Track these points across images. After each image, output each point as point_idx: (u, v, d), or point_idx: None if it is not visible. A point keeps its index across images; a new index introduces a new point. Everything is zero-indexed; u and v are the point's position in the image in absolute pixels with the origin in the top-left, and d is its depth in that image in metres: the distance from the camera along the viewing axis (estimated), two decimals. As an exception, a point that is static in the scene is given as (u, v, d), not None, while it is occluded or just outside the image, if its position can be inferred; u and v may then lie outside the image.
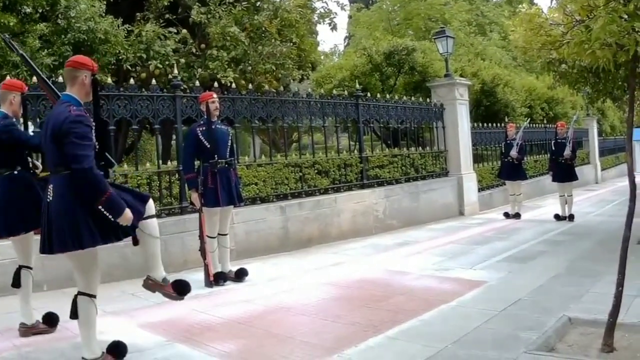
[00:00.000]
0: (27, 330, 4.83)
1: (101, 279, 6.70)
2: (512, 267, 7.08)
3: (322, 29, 66.05)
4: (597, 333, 4.11)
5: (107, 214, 3.72)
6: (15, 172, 4.74)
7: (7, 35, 4.41)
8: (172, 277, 6.92)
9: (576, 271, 6.72)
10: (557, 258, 7.61)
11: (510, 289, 5.89)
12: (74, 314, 4.02)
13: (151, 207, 4.21)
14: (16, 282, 4.91)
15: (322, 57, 22.78)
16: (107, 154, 4.06)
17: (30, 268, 4.99)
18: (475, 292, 5.87)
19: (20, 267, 4.94)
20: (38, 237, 4.37)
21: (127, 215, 3.78)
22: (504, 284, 6.18)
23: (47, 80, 4.23)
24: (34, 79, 6.69)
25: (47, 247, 3.83)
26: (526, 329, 4.47)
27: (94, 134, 3.86)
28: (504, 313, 5.01)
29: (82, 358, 3.97)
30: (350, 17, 34.66)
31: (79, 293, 4.01)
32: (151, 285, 4.43)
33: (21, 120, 5.00)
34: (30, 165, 4.87)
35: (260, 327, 4.98)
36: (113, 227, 3.84)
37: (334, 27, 12.52)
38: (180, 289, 4.44)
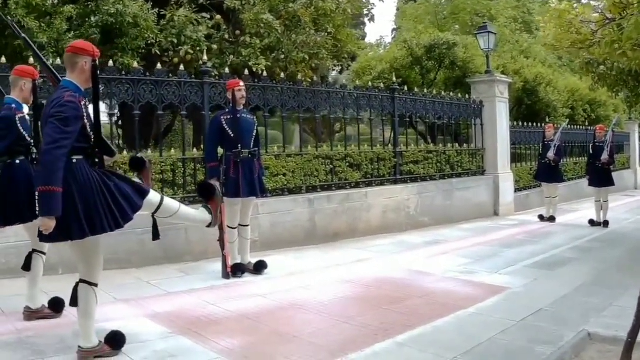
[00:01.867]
0: (31, 314, 4.80)
1: (118, 265, 6.77)
2: (538, 274, 6.78)
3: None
4: (616, 352, 3.83)
5: (37, 204, 3.50)
6: (18, 162, 4.71)
7: (10, 18, 4.36)
8: (190, 267, 7.09)
9: (603, 282, 6.39)
10: (586, 266, 7.29)
11: (532, 298, 5.61)
12: (74, 302, 3.94)
13: (152, 199, 4.12)
14: (26, 266, 4.87)
15: (368, 48, 22.45)
16: (107, 142, 3.99)
17: (44, 253, 4.95)
18: (496, 298, 5.61)
19: (32, 251, 4.90)
20: None
21: (49, 224, 3.48)
22: (527, 292, 5.90)
23: (50, 65, 4.15)
24: (58, 61, 6.68)
25: (41, 236, 3.76)
26: (542, 342, 4.22)
27: (86, 122, 3.77)
28: (521, 323, 4.75)
29: (79, 347, 3.90)
30: (398, 9, 34.19)
31: (81, 281, 3.92)
32: (215, 224, 4.84)
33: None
34: (34, 155, 4.81)
35: (268, 323, 4.84)
36: (103, 217, 3.73)
37: (371, 19, 12.27)
38: (206, 193, 4.85)
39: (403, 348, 4.22)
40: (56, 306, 4.90)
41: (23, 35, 4.14)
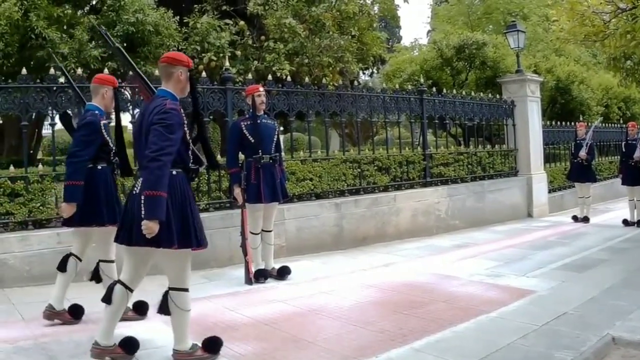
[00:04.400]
0: (52, 314, 4.83)
1: (149, 271, 6.77)
2: (566, 276, 6.59)
3: (407, 23, 65.18)
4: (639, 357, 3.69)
5: (142, 206, 3.59)
6: (99, 167, 4.84)
7: (103, 28, 4.44)
8: (214, 273, 7.08)
9: (632, 284, 6.16)
10: (616, 267, 7.06)
11: (558, 301, 5.43)
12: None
13: (187, 275, 4.08)
14: (62, 266, 4.91)
15: (401, 51, 22.26)
16: (205, 149, 4.12)
17: (80, 260, 5.00)
18: (521, 302, 5.46)
19: (70, 254, 4.95)
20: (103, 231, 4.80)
21: (154, 227, 3.56)
22: (553, 295, 5.73)
23: (143, 75, 4.13)
24: (79, 71, 6.75)
25: (125, 238, 3.82)
26: (563, 347, 4.08)
27: (187, 131, 3.85)
28: (544, 328, 4.61)
29: (95, 341, 3.91)
30: (432, 11, 33.96)
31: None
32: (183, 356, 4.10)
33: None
34: (114, 161, 4.94)
35: (285, 329, 4.80)
36: (192, 233, 3.83)
37: (396, 21, 12.16)
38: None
39: (419, 354, 4.13)
40: (76, 312, 4.93)
41: (117, 44, 4.16)
